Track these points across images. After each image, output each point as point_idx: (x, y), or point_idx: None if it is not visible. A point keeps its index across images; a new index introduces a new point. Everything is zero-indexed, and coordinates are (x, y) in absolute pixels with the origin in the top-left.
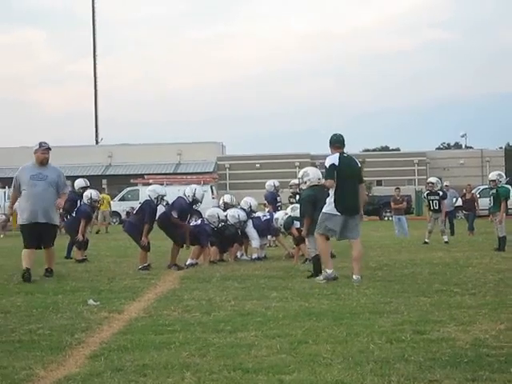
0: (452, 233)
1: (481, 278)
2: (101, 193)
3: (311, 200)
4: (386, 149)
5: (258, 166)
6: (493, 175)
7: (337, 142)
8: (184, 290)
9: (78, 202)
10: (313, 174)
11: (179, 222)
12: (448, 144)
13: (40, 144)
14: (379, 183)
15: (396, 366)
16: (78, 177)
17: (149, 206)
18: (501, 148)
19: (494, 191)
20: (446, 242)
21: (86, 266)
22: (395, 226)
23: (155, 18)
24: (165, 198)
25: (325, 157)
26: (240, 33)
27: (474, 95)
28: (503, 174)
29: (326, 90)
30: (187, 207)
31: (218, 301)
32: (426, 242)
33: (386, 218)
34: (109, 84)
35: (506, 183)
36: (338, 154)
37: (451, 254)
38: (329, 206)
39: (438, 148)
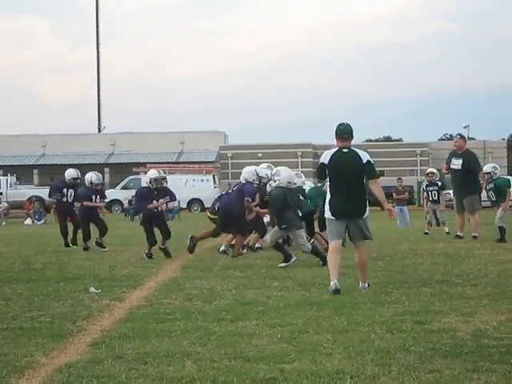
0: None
1: (482, 269)
2: None
3: (278, 199)
4: (388, 139)
5: (260, 155)
6: (487, 168)
7: (343, 133)
8: (185, 279)
9: (65, 190)
10: (284, 176)
11: (254, 209)
12: (450, 135)
13: None
14: (381, 173)
15: (396, 355)
16: (80, 165)
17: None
18: (503, 139)
19: (492, 185)
20: (448, 233)
21: (88, 254)
22: (397, 217)
23: (158, 7)
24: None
25: (327, 147)
26: (242, 23)
27: (476, 86)
28: (497, 166)
29: (328, 80)
30: (258, 190)
31: (220, 290)
32: (426, 233)
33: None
34: (112, 73)
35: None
36: (333, 150)
37: (452, 245)
38: (326, 210)
39: (441, 139)
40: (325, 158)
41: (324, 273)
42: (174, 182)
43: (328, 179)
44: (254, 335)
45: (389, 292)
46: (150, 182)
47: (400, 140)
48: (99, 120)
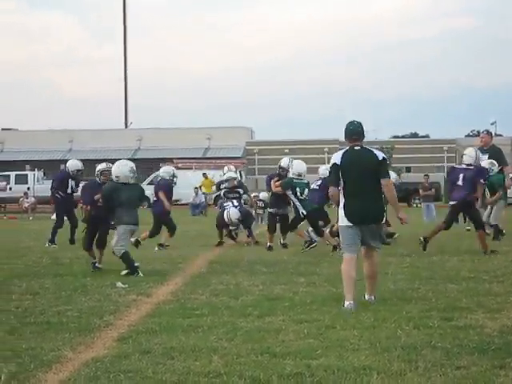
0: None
1: (509, 266)
2: None
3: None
4: (415, 135)
5: (286, 151)
6: (484, 164)
7: (353, 134)
8: (212, 274)
9: (69, 181)
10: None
11: None
12: (478, 131)
13: None
14: (408, 170)
15: (423, 352)
16: (106, 160)
17: None
18: None
19: (487, 181)
20: (468, 230)
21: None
22: (424, 213)
23: (183, 3)
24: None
25: None
26: (269, 17)
27: (505, 82)
28: (495, 163)
29: (354, 75)
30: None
31: (246, 285)
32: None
33: (415, 205)
34: (138, 68)
35: None
36: (343, 150)
37: (498, 241)
38: (340, 217)
39: (468, 135)
40: (336, 158)
41: None
42: (201, 178)
43: (341, 182)
44: (280, 331)
45: (415, 288)
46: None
47: (427, 136)
48: (126, 115)
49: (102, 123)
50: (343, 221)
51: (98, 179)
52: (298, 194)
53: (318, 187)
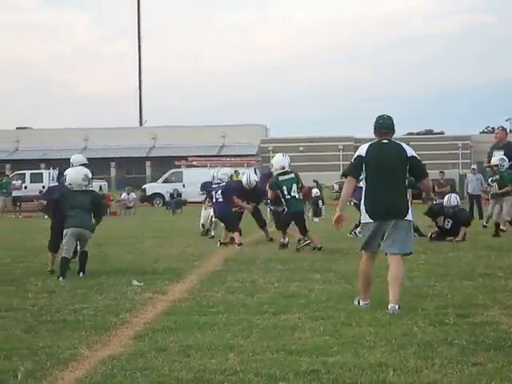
0: (481, 217)
1: None
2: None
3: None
4: (429, 132)
5: (301, 148)
6: (495, 160)
7: (383, 128)
8: (227, 272)
9: None
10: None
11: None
12: (492, 128)
13: None
14: None
15: (439, 349)
16: (121, 159)
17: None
18: None
19: (498, 177)
20: (485, 226)
21: (129, 248)
22: None
23: (197, 1)
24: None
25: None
26: (284, 14)
27: None
28: (506, 159)
29: (368, 72)
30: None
31: (262, 283)
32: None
33: (430, 202)
34: (153, 66)
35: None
36: (370, 143)
37: (495, 238)
38: (362, 214)
39: (483, 132)
40: (361, 150)
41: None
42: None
43: (364, 176)
44: (296, 328)
45: (431, 285)
46: (65, 179)
47: (442, 133)
48: (140, 113)
49: (116, 121)
50: (364, 217)
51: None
52: (285, 192)
53: None
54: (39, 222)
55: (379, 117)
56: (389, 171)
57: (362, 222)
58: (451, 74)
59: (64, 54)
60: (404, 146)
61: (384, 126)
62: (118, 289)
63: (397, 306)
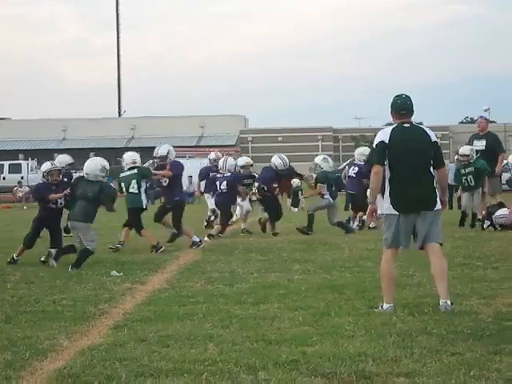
0: (450, 207)
1: (504, 252)
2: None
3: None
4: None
5: (280, 139)
6: (466, 149)
7: (402, 109)
8: (207, 262)
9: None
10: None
11: None
12: (471, 118)
13: None
14: None
15: (418, 338)
16: (100, 149)
17: None
18: None
19: (472, 168)
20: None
21: (108, 238)
22: None
23: None
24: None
25: (348, 131)
26: (262, 6)
27: (498, 69)
28: (475, 149)
29: (347, 63)
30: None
31: (241, 273)
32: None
33: None
34: (132, 57)
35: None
36: (392, 127)
37: (474, 228)
38: (385, 203)
39: (461, 122)
40: (383, 135)
41: (345, 256)
42: (195, 166)
43: (386, 164)
44: (275, 318)
45: (410, 275)
46: (43, 177)
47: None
48: (119, 104)
49: (96, 112)
50: (389, 209)
51: (45, 180)
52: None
53: (354, 175)
54: (18, 213)
55: (397, 96)
56: (416, 158)
57: (386, 213)
58: (429, 65)
59: (43, 44)
60: (427, 129)
61: (403, 106)
62: (98, 279)
63: (449, 302)
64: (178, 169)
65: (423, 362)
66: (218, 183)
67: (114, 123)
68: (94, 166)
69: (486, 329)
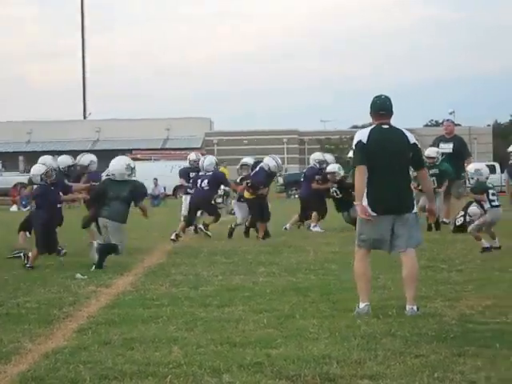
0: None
1: (468, 255)
2: None
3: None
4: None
5: (245, 142)
6: (432, 151)
7: (381, 109)
8: (171, 265)
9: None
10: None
11: None
12: (436, 121)
13: None
14: None
15: (383, 340)
16: (65, 152)
17: None
18: (489, 125)
19: (436, 170)
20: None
21: (72, 241)
22: None
23: None
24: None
25: (313, 133)
26: (231, 8)
27: (463, 73)
28: (440, 152)
29: (313, 67)
30: None
31: (206, 275)
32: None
33: None
34: (99, 59)
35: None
36: (370, 127)
37: (438, 231)
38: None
39: (426, 125)
40: (361, 136)
41: (310, 258)
42: (160, 169)
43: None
44: (240, 321)
45: (375, 277)
46: (42, 180)
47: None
48: (84, 107)
49: (62, 115)
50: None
51: (43, 182)
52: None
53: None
54: None
55: (376, 97)
56: (394, 159)
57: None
58: (394, 68)
59: (9, 47)
60: (405, 131)
61: (382, 106)
62: (62, 282)
63: (415, 308)
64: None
65: (387, 365)
66: (199, 181)
67: (80, 125)
68: (120, 166)
69: (450, 331)
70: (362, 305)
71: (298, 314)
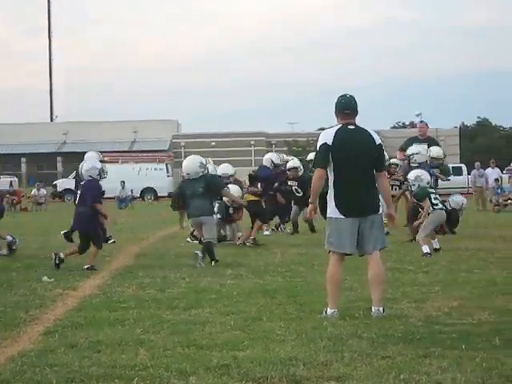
0: None
1: (434, 257)
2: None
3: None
4: None
5: (213, 144)
6: (440, 153)
7: (346, 108)
8: (138, 268)
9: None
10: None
11: None
12: (403, 123)
13: None
14: None
15: (349, 342)
16: (32, 154)
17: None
18: (455, 127)
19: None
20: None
21: (40, 244)
22: None
23: None
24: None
25: (280, 136)
26: (199, 9)
27: (429, 74)
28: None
29: (282, 67)
30: None
31: (173, 278)
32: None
33: None
34: (66, 61)
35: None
36: (336, 128)
37: (405, 232)
38: (329, 206)
39: (393, 127)
40: (326, 137)
41: (277, 260)
42: (127, 171)
43: (330, 166)
44: (207, 323)
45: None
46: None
47: None
48: (51, 109)
49: (28, 117)
50: (334, 213)
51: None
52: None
53: None
54: None
55: (341, 96)
56: (360, 160)
57: (331, 217)
58: (363, 70)
59: None
60: (371, 132)
61: (347, 105)
62: (28, 285)
63: (381, 309)
64: None
65: (354, 366)
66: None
67: (47, 128)
68: (193, 165)
69: (416, 332)
70: (330, 311)
71: (265, 316)
